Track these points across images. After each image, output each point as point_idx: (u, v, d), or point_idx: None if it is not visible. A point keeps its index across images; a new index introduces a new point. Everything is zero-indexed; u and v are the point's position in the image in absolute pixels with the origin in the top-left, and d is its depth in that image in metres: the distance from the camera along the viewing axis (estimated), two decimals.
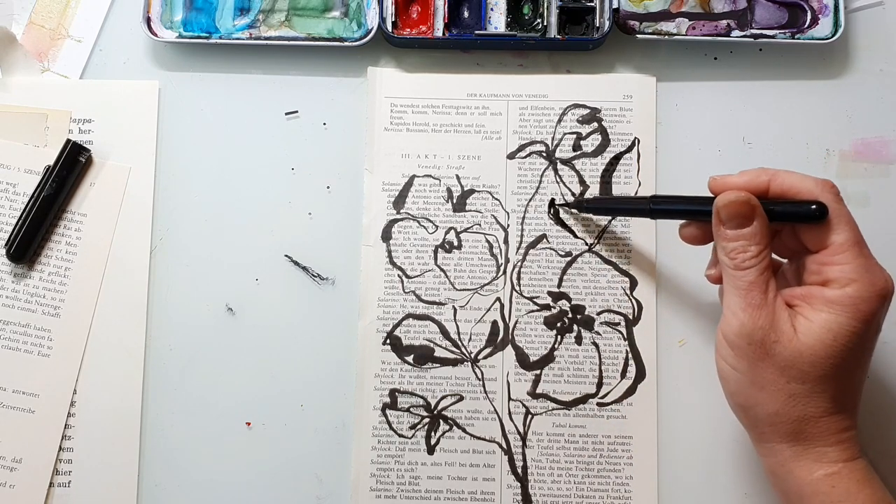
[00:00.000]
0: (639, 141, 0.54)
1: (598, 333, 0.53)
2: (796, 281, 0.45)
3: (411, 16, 0.55)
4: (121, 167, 0.55)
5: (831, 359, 0.40)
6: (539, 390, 0.52)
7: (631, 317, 0.53)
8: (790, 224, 0.43)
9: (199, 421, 0.53)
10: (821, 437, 0.41)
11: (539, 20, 0.54)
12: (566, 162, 0.54)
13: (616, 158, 0.54)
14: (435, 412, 0.52)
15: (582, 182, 0.54)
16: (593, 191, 0.54)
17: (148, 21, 0.55)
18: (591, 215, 0.53)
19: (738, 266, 0.42)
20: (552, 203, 0.54)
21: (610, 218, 0.53)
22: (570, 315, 0.53)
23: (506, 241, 0.54)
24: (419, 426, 0.52)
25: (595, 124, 0.54)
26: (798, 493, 0.42)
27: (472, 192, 0.54)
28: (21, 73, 0.56)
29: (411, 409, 0.52)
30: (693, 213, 0.46)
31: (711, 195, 0.44)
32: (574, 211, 0.53)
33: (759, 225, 0.42)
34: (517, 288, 0.53)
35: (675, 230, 0.48)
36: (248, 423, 0.53)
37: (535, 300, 0.53)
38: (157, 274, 0.54)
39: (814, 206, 0.41)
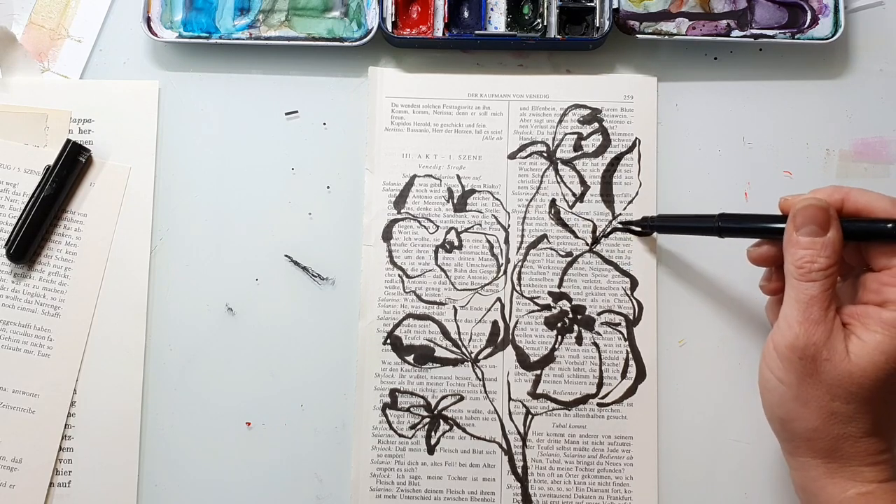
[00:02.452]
0: (640, 141, 0.54)
1: (598, 334, 0.53)
2: (849, 299, 0.44)
3: (411, 16, 0.55)
4: (121, 167, 0.55)
5: (880, 381, 0.40)
6: (539, 390, 0.52)
7: (631, 317, 0.53)
8: (858, 242, 0.43)
9: (199, 421, 0.53)
10: (857, 457, 0.41)
11: (539, 20, 0.54)
12: (567, 162, 0.54)
13: (617, 159, 0.54)
14: (435, 412, 0.52)
15: (583, 182, 0.54)
16: (594, 190, 0.54)
17: (148, 21, 0.55)
18: (655, 234, 0.53)
19: (803, 276, 0.41)
20: (553, 203, 0.54)
21: (611, 218, 0.53)
22: (570, 315, 0.53)
23: (506, 241, 0.54)
24: (419, 426, 0.52)
25: (596, 124, 0.54)
26: None
27: (472, 192, 0.54)
28: (21, 73, 0.56)
29: (411, 409, 0.52)
30: (763, 232, 0.45)
31: (780, 214, 0.43)
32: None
33: (832, 237, 0.41)
34: (518, 288, 0.53)
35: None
36: (248, 423, 0.53)
37: (535, 300, 0.53)
38: (157, 274, 0.54)
39: (890, 225, 0.41)
